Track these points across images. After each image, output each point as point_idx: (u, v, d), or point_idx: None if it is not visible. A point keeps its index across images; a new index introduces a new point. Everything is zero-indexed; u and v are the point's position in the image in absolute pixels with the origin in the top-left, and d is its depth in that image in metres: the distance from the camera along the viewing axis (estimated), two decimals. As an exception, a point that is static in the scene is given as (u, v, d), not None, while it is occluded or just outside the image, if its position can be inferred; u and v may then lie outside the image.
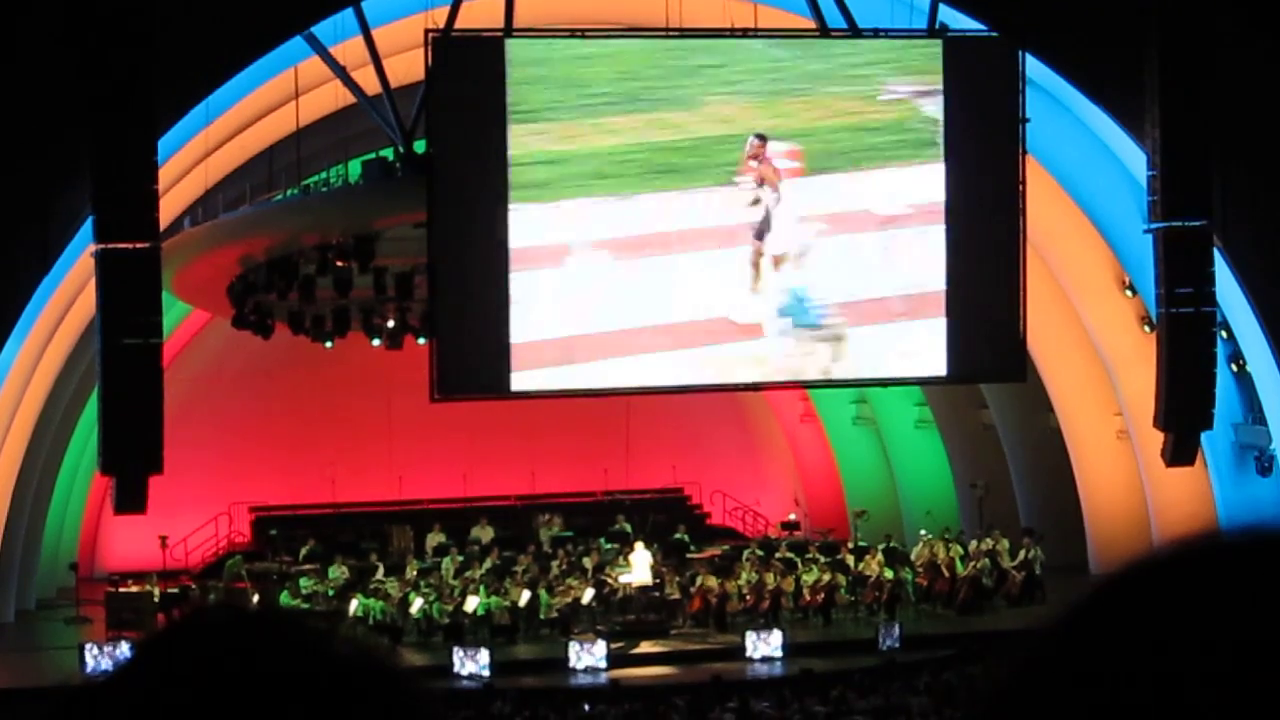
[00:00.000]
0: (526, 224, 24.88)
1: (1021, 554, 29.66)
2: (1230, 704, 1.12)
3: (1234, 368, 27.76)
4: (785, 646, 26.55)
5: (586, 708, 23.32)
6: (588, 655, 25.96)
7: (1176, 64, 24.55)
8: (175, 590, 29.07)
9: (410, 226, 25.25)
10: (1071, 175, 28.37)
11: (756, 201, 25.72)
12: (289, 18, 24.99)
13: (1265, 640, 1.13)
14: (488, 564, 28.94)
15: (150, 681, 1.28)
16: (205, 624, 1.34)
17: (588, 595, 27.86)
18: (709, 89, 25.46)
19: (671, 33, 25.86)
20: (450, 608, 27.23)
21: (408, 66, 26.11)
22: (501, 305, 24.78)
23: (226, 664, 1.27)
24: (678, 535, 32.00)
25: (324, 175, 30.57)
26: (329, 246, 27.15)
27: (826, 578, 28.53)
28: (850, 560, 29.45)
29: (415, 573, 28.60)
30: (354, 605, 27.31)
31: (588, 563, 29.07)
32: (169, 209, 26.18)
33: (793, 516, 35.40)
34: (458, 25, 24.80)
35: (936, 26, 26.11)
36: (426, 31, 24.28)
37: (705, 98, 25.44)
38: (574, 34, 25.37)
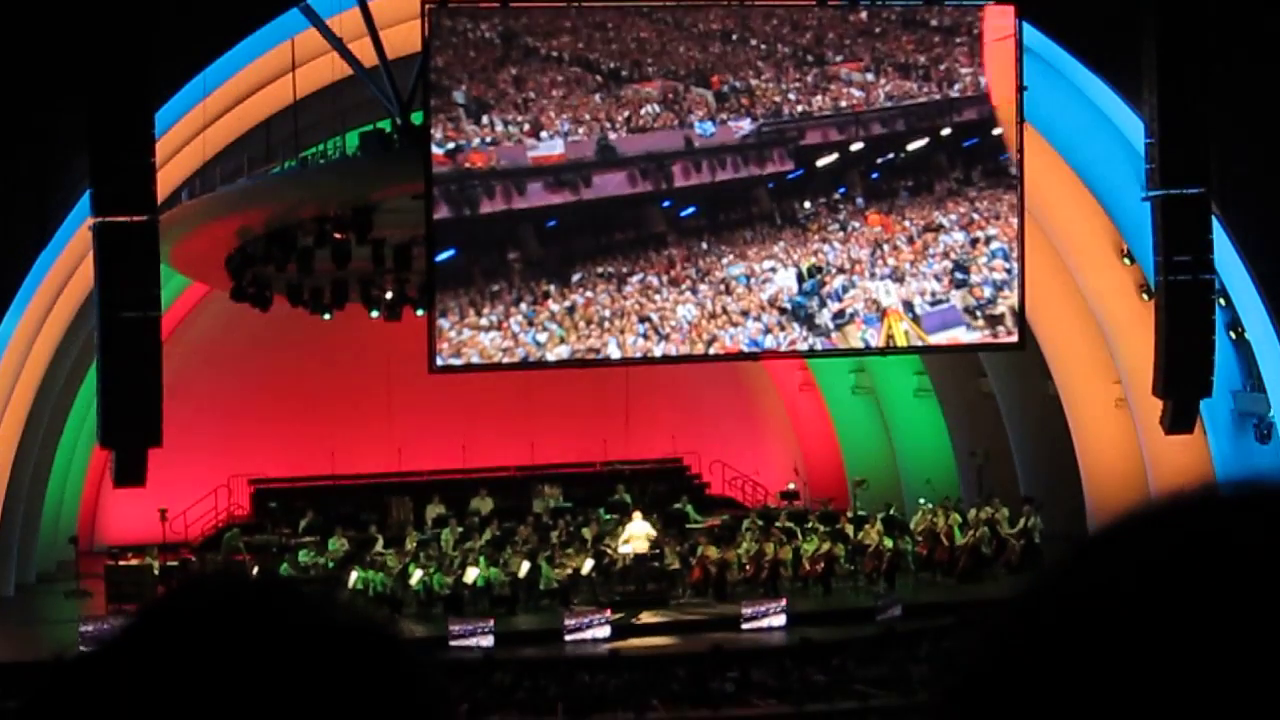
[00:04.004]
0: (524, 194, 24.81)
1: (1021, 522, 29.68)
2: (1222, 665, 1.10)
3: (1232, 335, 27.72)
4: (786, 616, 26.58)
5: (586, 678, 23.35)
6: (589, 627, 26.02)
7: (1174, 31, 24.48)
8: (175, 563, 29.09)
9: (408, 197, 25.20)
10: (1069, 143, 28.30)
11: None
12: (285, -11, 24.93)
13: (1261, 599, 1.11)
14: (487, 535, 28.96)
15: (146, 652, 1.27)
16: (202, 594, 1.33)
17: (587, 566, 27.87)
18: (706, 58, 25.38)
19: (669, 3, 25.78)
20: (450, 579, 27.25)
21: (404, 38, 26.04)
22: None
23: (223, 635, 1.26)
24: (678, 505, 32.01)
25: (322, 147, 30.46)
26: (327, 218, 27.09)
27: (826, 547, 28.56)
28: (850, 529, 29.48)
29: (415, 544, 28.62)
30: (353, 577, 27.35)
31: (587, 533, 29.06)
32: (166, 182, 26.13)
33: (792, 486, 35.41)
34: (454, -4, 24.74)
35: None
36: (423, 2, 24.22)
37: (704, 67, 25.35)
38: (570, 4, 25.30)
